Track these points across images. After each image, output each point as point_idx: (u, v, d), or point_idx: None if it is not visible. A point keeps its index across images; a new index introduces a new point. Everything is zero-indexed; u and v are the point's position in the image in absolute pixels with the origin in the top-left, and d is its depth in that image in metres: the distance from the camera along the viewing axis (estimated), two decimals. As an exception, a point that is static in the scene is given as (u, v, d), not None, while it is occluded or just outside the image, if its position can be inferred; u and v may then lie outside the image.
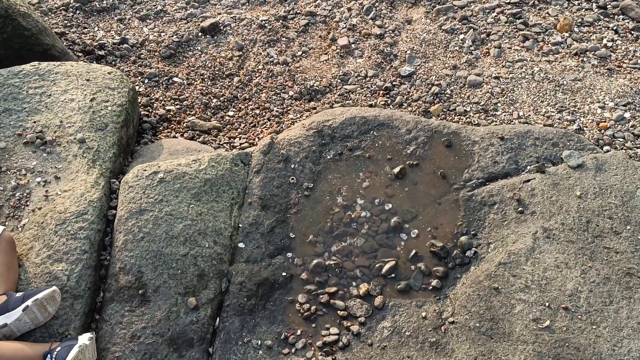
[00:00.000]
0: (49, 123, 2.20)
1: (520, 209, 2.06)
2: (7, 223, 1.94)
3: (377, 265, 2.01)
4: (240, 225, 2.07)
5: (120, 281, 1.86)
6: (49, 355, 1.62)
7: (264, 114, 2.68)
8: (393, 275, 1.99)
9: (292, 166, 2.22)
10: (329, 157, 2.27)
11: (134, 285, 1.86)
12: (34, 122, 2.19)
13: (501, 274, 1.91)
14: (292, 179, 2.19)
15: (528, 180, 2.12)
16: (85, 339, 1.67)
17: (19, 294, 1.70)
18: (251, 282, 1.96)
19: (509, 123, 2.46)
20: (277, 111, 2.68)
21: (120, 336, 1.79)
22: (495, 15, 2.98)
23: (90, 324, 1.85)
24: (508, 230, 2.03)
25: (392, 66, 2.82)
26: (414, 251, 2.04)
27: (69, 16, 3.28)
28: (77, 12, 3.31)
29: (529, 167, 2.18)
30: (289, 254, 2.04)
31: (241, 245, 2.03)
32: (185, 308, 1.85)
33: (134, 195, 2.01)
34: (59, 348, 1.63)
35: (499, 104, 2.55)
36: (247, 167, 2.22)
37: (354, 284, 1.98)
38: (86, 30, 3.19)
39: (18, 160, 2.09)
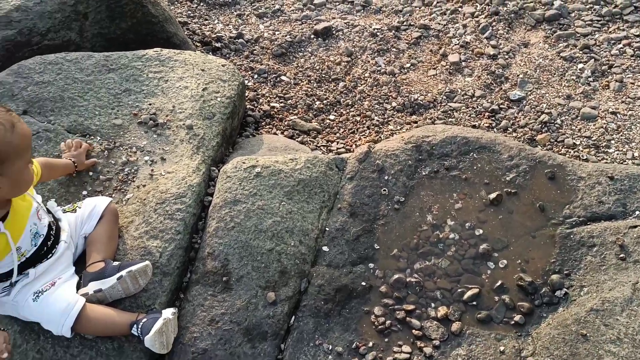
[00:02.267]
0: (163, 107, 2.33)
1: (622, 255, 1.93)
2: (113, 195, 2.07)
3: (459, 290, 1.96)
4: (327, 229, 2.09)
5: (207, 266, 1.94)
6: (135, 325, 1.71)
7: (364, 121, 2.69)
8: (474, 303, 1.93)
9: (386, 177, 2.21)
10: (424, 173, 2.24)
11: (219, 271, 1.93)
12: (149, 104, 2.33)
13: (592, 320, 1.80)
14: (384, 190, 2.18)
15: (635, 226, 1.99)
16: (169, 313, 1.75)
17: (115, 263, 1.81)
18: (330, 286, 1.97)
19: (622, 163, 2.31)
20: (377, 120, 2.69)
21: (200, 318, 1.86)
22: (621, 47, 2.81)
23: (174, 301, 1.93)
24: (605, 276, 1.91)
25: (501, 89, 2.74)
26: (500, 282, 1.96)
27: (192, 7, 3.46)
28: (201, 4, 3.48)
29: (637, 212, 2.04)
30: (371, 265, 2.03)
31: (325, 248, 2.05)
32: (264, 301, 1.90)
33: (230, 185, 2.09)
34: (144, 319, 1.72)
35: (612, 141, 2.40)
36: (341, 172, 2.24)
37: (432, 305, 1.95)
38: (207, 22, 3.35)
39: (131, 138, 2.23)
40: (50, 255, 1.75)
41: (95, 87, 2.34)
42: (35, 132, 2.18)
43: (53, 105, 2.26)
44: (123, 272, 1.76)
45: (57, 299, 1.68)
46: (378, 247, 2.07)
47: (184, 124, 2.27)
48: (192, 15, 3.40)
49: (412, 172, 2.23)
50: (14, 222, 1.60)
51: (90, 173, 2.12)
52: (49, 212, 1.80)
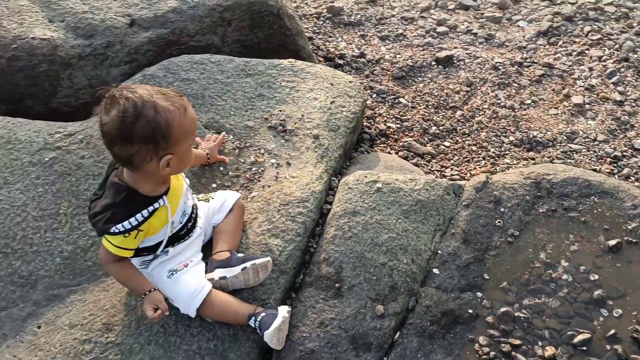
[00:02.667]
0: (292, 114, 2.46)
1: None
2: (240, 191, 2.21)
3: (568, 333, 1.94)
4: (439, 252, 2.13)
5: (322, 270, 2.03)
6: (253, 318, 1.82)
7: (480, 151, 2.71)
8: (584, 348, 1.90)
9: (502, 210, 2.22)
10: (541, 210, 2.23)
11: (332, 277, 2.01)
12: (280, 111, 2.47)
13: None
14: (499, 222, 2.19)
15: None
16: (284, 311, 1.85)
17: (239, 255, 1.93)
18: (437, 308, 2.01)
19: None
20: (494, 152, 2.70)
21: (311, 319, 1.95)
22: None
23: (286, 299, 2.03)
24: None
25: (626, 136, 2.68)
26: (612, 331, 1.93)
27: (318, 24, 3.61)
28: (327, 21, 3.63)
29: None
30: (479, 294, 2.05)
31: (435, 271, 2.08)
32: (372, 313, 1.96)
33: (351, 196, 2.17)
34: (263, 314, 1.82)
35: None
36: (457, 198, 2.27)
37: (539, 343, 1.93)
38: (330, 39, 3.49)
39: (260, 140, 2.37)
40: (187, 237, 1.89)
41: (233, 89, 2.51)
42: (176, 124, 2.36)
43: (194, 102, 2.45)
44: (247, 264, 1.88)
45: (188, 280, 1.81)
46: (488, 277, 2.09)
47: (311, 133, 2.39)
48: (317, 31, 3.55)
49: (529, 208, 2.23)
50: (172, 198, 1.76)
51: (221, 168, 2.28)
52: (195, 199, 1.96)
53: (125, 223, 1.65)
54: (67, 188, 2.15)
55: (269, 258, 1.94)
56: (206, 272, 1.89)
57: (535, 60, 3.16)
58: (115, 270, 1.77)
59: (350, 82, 2.67)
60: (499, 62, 3.16)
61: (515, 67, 3.13)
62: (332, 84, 2.60)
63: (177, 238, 1.85)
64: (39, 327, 1.89)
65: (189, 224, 1.87)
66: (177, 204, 1.79)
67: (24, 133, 2.25)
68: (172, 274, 1.83)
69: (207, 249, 2.01)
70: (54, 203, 2.12)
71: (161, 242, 1.79)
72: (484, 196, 2.26)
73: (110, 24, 2.55)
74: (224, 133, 2.33)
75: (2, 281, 1.96)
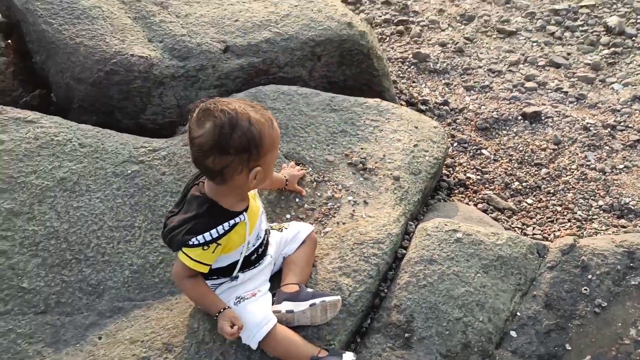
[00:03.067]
0: (374, 153, 2.41)
1: None
2: (313, 225, 2.16)
3: (660, 423, 1.75)
4: (518, 313, 1.99)
5: (392, 317, 1.93)
6: None
7: (565, 213, 2.57)
8: None
9: (589, 277, 2.07)
10: (633, 282, 2.06)
11: (402, 325, 1.90)
12: (361, 148, 2.43)
13: None
14: (586, 289, 2.04)
15: None
16: (349, 357, 1.76)
17: (309, 290, 1.87)
18: (512, 375, 1.86)
19: None
20: (580, 215, 2.55)
21: (375, 367, 1.84)
22: None
23: (351, 343, 1.94)
24: None
25: None
26: None
27: (403, 68, 3.60)
28: (411, 67, 3.61)
29: None
30: (559, 365, 1.89)
31: (513, 334, 1.94)
32: (441, 370, 1.83)
33: (429, 243, 2.08)
34: (326, 357, 1.74)
35: None
36: (541, 259, 2.13)
37: None
38: (414, 84, 3.46)
39: (339, 176, 2.33)
40: (258, 264, 1.85)
41: (317, 123, 2.50)
42: (257, 151, 2.36)
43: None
44: (317, 301, 1.81)
45: (255, 310, 1.76)
46: (570, 347, 1.92)
47: (391, 174, 2.33)
48: (401, 75, 3.53)
49: (620, 279, 2.07)
50: (250, 216, 1.74)
51: (297, 199, 2.24)
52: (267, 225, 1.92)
53: (206, 234, 1.63)
54: (144, 202, 2.17)
55: (339, 297, 1.86)
56: (273, 303, 1.83)
57: (629, 125, 3.00)
58: (189, 287, 1.74)
59: (434, 127, 2.61)
60: (590, 123, 3.02)
61: (608, 129, 2.98)
62: (416, 127, 2.55)
63: (248, 263, 1.81)
64: (99, 338, 1.88)
65: (260, 250, 1.83)
66: (254, 224, 1.76)
67: (111, 144, 2.30)
68: (239, 301, 1.78)
69: (276, 279, 1.95)
70: (131, 215, 2.13)
71: (234, 264, 1.75)
72: (570, 260, 2.11)
73: (205, 49, 2.61)
74: (307, 167, 2.31)
75: (71, 287, 1.97)
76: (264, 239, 1.84)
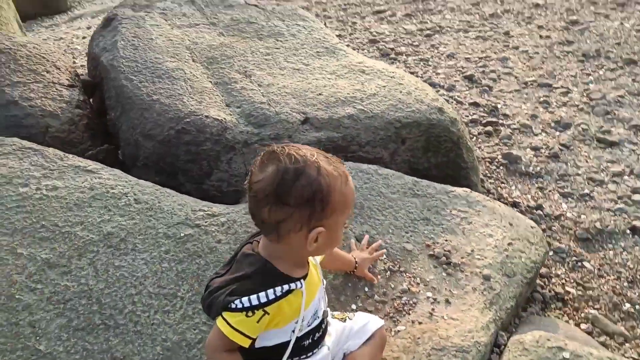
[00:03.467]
0: (460, 247, 2.07)
1: None
2: (383, 320, 1.80)
3: None
4: None
5: None
6: None
7: (693, 348, 2.07)
8: None
9: None
10: None
11: None
12: (445, 240, 2.10)
13: None
14: None
15: None
16: None
17: (373, 398, 1.49)
18: None
19: None
20: None
21: None
22: None
23: None
24: None
25: None
26: None
27: (491, 168, 3.30)
28: (500, 167, 3.30)
29: None
30: None
31: None
32: None
33: (526, 360, 1.67)
34: None
35: None
36: (674, 402, 1.66)
37: None
38: (503, 185, 3.14)
39: (417, 268, 1.99)
40: (312, 354, 1.50)
41: (396, 207, 2.20)
42: (326, 229, 2.08)
43: (352, 211, 2.17)
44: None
45: None
46: None
47: (480, 272, 1.96)
48: (489, 175, 3.23)
49: None
50: (309, 287, 1.42)
51: (366, 289, 1.91)
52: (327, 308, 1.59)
53: (253, 297, 1.32)
54: (193, 270, 1.90)
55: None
56: (327, 408, 1.46)
57: None
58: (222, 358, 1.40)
59: (532, 227, 2.25)
60: None
61: None
62: (511, 224, 2.20)
63: (299, 350, 1.46)
64: None
65: (317, 335, 1.49)
66: (312, 296, 1.44)
67: (168, 203, 2.10)
68: None
69: (332, 380, 1.59)
70: (175, 283, 1.86)
71: (283, 347, 1.41)
72: None
73: (283, 118, 2.44)
74: (383, 250, 2.00)
75: (92, 357, 1.68)
76: (322, 321, 1.51)
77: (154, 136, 2.36)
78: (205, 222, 2.05)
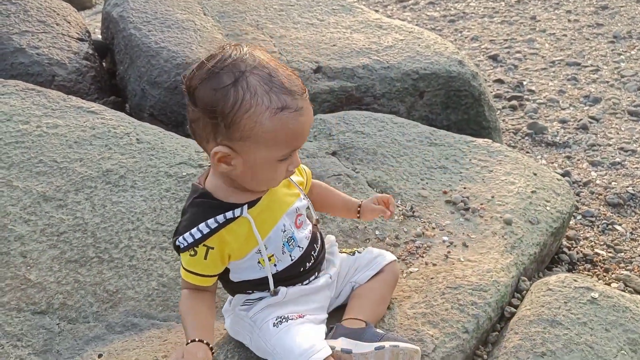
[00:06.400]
0: (479, 194, 1.93)
1: None
2: (395, 262, 1.67)
3: None
4: (685, 419, 1.34)
5: (492, 390, 1.35)
6: None
7: None
8: None
9: None
10: None
11: (507, 405, 1.32)
12: (464, 187, 1.96)
13: None
14: None
15: None
16: None
17: (378, 330, 1.36)
18: None
19: None
20: None
21: None
22: None
23: (430, 420, 1.36)
24: None
25: None
26: None
27: (515, 139, 3.14)
28: (526, 137, 3.15)
29: None
30: None
31: None
32: None
33: (550, 300, 1.51)
34: None
35: None
36: None
37: None
38: (528, 154, 2.98)
39: (433, 213, 1.86)
40: (307, 281, 1.38)
41: (412, 154, 2.08)
42: (337, 174, 1.96)
43: (363, 156, 2.05)
44: (386, 344, 1.29)
45: (301, 334, 1.26)
46: None
47: (501, 217, 1.82)
48: (513, 145, 3.08)
49: None
50: (264, 214, 1.26)
51: (377, 232, 1.78)
52: (319, 235, 1.44)
53: (187, 235, 1.20)
54: (194, 209, 1.80)
55: (418, 348, 1.33)
56: (326, 338, 1.33)
57: None
58: (181, 299, 1.29)
59: (558, 180, 2.10)
60: None
61: None
62: (535, 174, 2.05)
63: (291, 278, 1.34)
64: (99, 356, 1.44)
65: (309, 264, 1.36)
66: (271, 224, 1.28)
67: (171, 144, 2.01)
68: (280, 321, 1.29)
69: (337, 315, 1.46)
70: (174, 221, 1.76)
71: (264, 280, 1.29)
72: None
73: (295, 66, 2.34)
74: (390, 212, 1.58)
75: (84, 289, 1.58)
76: (312, 249, 1.37)
77: (160, 83, 2.28)
78: (209, 163, 1.95)
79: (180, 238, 1.21)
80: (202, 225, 1.20)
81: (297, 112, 1.14)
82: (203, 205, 1.23)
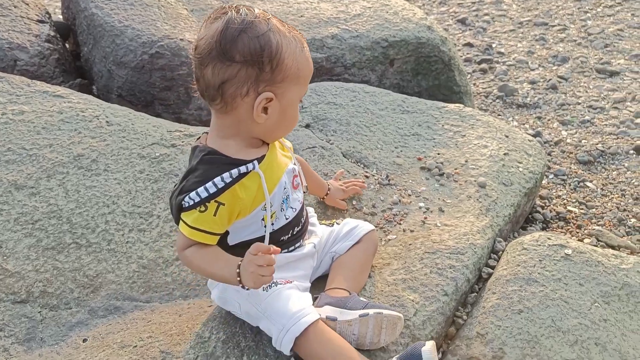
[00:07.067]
0: (453, 159, 1.95)
1: None
2: (373, 231, 1.69)
3: None
4: (656, 365, 1.40)
5: (473, 349, 1.39)
6: None
7: None
8: None
9: None
10: None
11: (487, 362, 1.36)
12: (438, 154, 1.98)
13: None
14: None
15: None
16: (428, 347, 1.24)
17: (362, 299, 1.38)
18: None
19: None
20: None
21: (447, 416, 1.29)
22: None
23: (414, 382, 1.40)
24: None
25: None
26: None
27: (487, 102, 3.17)
28: (497, 100, 3.18)
29: None
30: None
31: (651, 392, 1.35)
32: None
33: (526, 259, 1.55)
34: (397, 356, 1.23)
35: None
36: (685, 297, 1.55)
37: None
38: (499, 116, 3.01)
39: (408, 181, 1.88)
40: (293, 248, 1.39)
41: (385, 123, 2.08)
42: (311, 147, 1.96)
43: (337, 127, 2.05)
44: (370, 311, 1.31)
45: (291, 298, 1.28)
46: None
47: (475, 180, 1.85)
48: (485, 108, 3.10)
49: None
50: (270, 170, 1.29)
51: (354, 202, 1.79)
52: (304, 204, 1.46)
53: (201, 190, 1.19)
54: (169, 189, 1.79)
55: (401, 315, 1.35)
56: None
57: None
58: (191, 254, 1.26)
59: (530, 140, 2.13)
60: None
61: None
62: (507, 136, 2.08)
63: (279, 245, 1.35)
64: (84, 341, 1.44)
65: (297, 228, 1.38)
66: (276, 179, 1.31)
67: (142, 125, 1.98)
68: (270, 286, 1.30)
69: (319, 285, 1.48)
70: (150, 202, 1.75)
71: (260, 241, 1.29)
72: None
73: (262, 40, 2.31)
74: (360, 189, 1.79)
75: (63, 275, 1.57)
76: (301, 213, 1.39)
77: (126, 63, 2.23)
78: (182, 142, 1.93)
79: (192, 195, 1.20)
80: (217, 180, 1.20)
81: (307, 49, 1.26)
82: (215, 162, 1.23)
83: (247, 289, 1.22)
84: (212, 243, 1.26)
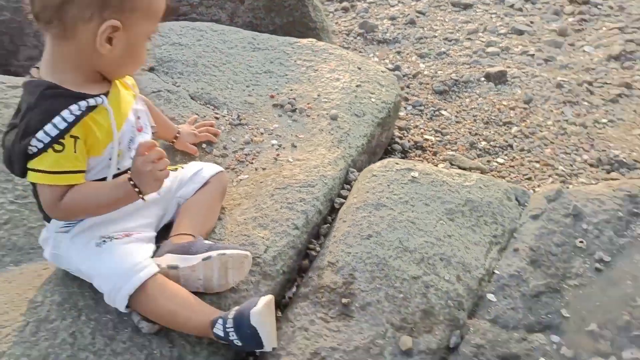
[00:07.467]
0: (305, 94, 1.91)
1: None
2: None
3: (703, 405, 1.23)
4: (496, 271, 1.47)
5: (324, 278, 1.39)
6: (220, 321, 1.18)
7: (545, 169, 2.10)
8: None
9: (584, 226, 1.58)
10: (639, 231, 1.58)
11: (339, 289, 1.36)
12: (290, 90, 1.93)
13: None
14: (581, 242, 1.54)
15: None
16: (264, 300, 1.21)
17: (206, 242, 1.32)
18: (493, 352, 1.33)
19: None
20: (563, 171, 2.09)
21: (300, 346, 1.29)
22: None
23: (270, 318, 1.38)
24: None
25: None
26: None
27: (348, 40, 3.16)
28: (358, 37, 3.18)
29: None
30: (555, 338, 1.37)
31: (491, 297, 1.42)
32: (394, 347, 1.29)
33: (375, 185, 1.57)
34: (234, 311, 1.19)
35: None
36: (522, 208, 1.64)
37: (657, 417, 1.23)
38: (361, 54, 3.02)
39: (261, 119, 1.82)
40: (135, 195, 1.30)
41: (235, 62, 2.00)
42: (157, 90, 1.83)
43: (183, 69, 1.93)
44: (213, 253, 1.26)
45: (126, 253, 1.20)
46: (568, 314, 1.41)
47: (327, 114, 1.83)
48: (346, 47, 3.09)
49: (623, 228, 1.58)
50: (117, 104, 1.20)
51: (204, 145, 1.71)
52: None
53: (48, 127, 1.07)
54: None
55: (247, 252, 1.31)
56: (153, 256, 1.27)
57: (607, 82, 2.60)
58: (70, 202, 1.13)
59: (383, 72, 2.14)
60: (564, 81, 2.61)
61: (584, 86, 2.57)
62: (359, 69, 2.07)
63: None
64: None
65: None
66: (123, 116, 1.21)
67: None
68: (104, 241, 1.21)
69: (167, 234, 1.40)
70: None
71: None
72: (558, 207, 1.63)
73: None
74: (214, 134, 1.72)
75: None
76: None
77: None
78: (6, 95, 1.73)
79: (39, 135, 1.07)
80: (65, 113, 1.08)
81: None
82: (58, 96, 1.11)
83: (145, 200, 1.18)
84: (82, 181, 1.15)
